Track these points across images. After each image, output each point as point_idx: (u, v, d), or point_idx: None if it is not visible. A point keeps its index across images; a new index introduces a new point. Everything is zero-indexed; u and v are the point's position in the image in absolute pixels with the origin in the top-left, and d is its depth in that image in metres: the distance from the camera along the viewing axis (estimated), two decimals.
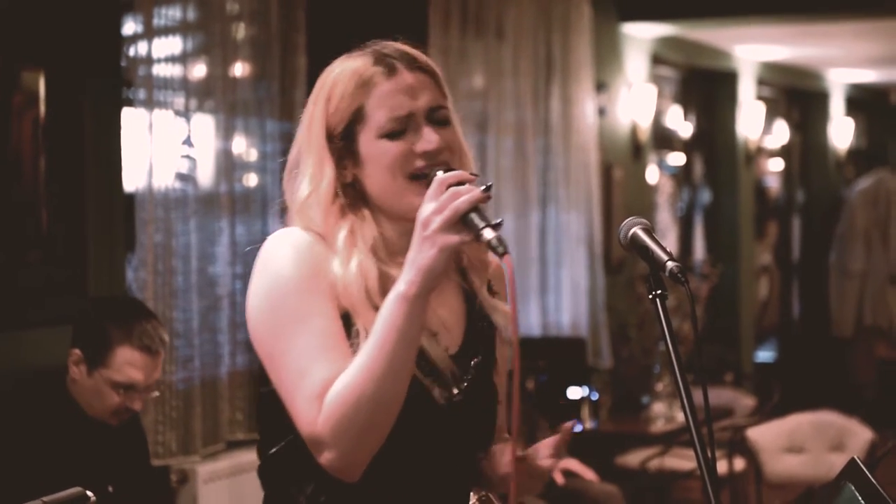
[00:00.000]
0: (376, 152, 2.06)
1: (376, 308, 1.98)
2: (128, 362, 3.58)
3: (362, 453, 1.96)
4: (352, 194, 2.09)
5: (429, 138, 2.05)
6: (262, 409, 2.10)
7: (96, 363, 3.59)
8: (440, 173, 1.99)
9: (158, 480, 4.23)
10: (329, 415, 1.93)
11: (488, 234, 1.90)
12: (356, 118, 2.07)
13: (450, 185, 1.94)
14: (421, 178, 2.04)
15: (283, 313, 2.00)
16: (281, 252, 2.05)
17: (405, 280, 1.92)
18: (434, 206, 1.91)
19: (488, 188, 1.94)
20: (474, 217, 1.91)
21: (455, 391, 2.08)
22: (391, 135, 2.05)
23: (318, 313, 2.00)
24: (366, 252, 2.05)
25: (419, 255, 1.91)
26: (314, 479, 2.03)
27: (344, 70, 2.10)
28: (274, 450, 2.08)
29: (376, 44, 2.14)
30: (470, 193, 1.92)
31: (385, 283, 2.02)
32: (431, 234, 1.90)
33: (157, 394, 3.91)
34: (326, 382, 1.94)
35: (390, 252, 2.08)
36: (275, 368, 2.01)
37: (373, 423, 1.94)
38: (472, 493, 2.27)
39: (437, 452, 2.07)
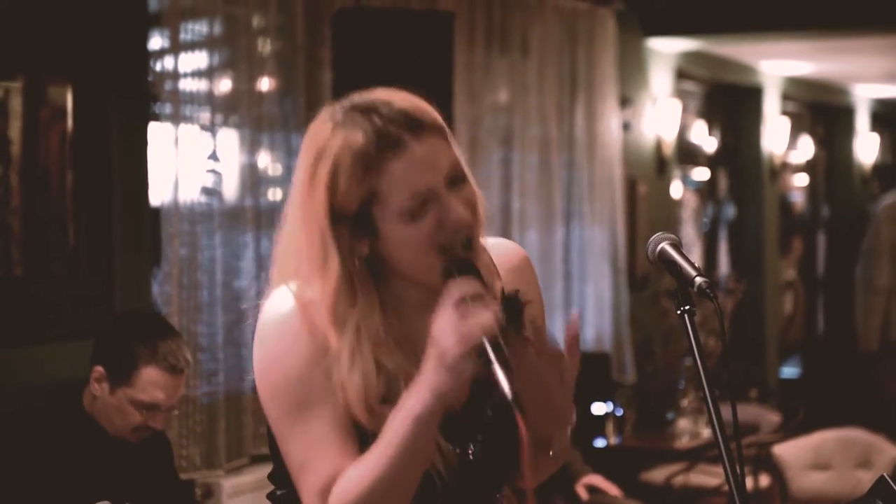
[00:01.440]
0: (400, 235, 1.92)
1: (375, 416, 1.92)
2: (152, 382, 3.56)
3: None
4: (364, 269, 1.96)
5: (458, 212, 1.92)
6: (272, 445, 2.05)
7: (120, 382, 3.56)
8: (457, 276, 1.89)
9: (185, 495, 4.20)
10: None
11: (497, 372, 1.80)
12: (369, 199, 1.92)
13: (464, 297, 1.84)
14: (447, 253, 1.93)
15: (283, 404, 1.96)
16: (274, 338, 1.97)
17: (416, 397, 1.85)
18: (451, 333, 1.81)
19: (505, 315, 1.85)
20: (488, 349, 1.81)
21: (471, 449, 2.02)
22: (413, 216, 1.91)
23: (315, 401, 1.94)
24: (369, 354, 1.94)
25: (434, 378, 1.83)
26: None
27: (343, 150, 1.91)
28: (280, 492, 2.07)
29: (365, 105, 1.94)
30: (483, 323, 1.81)
31: (386, 382, 1.94)
32: (446, 361, 1.82)
33: (177, 412, 3.87)
34: (328, 479, 1.92)
35: (398, 322, 1.99)
36: (284, 452, 1.99)
37: None
38: None
39: None
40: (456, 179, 1.95)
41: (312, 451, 1.93)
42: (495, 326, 1.82)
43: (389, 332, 1.97)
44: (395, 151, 1.90)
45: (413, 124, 1.92)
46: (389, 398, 1.93)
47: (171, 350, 3.59)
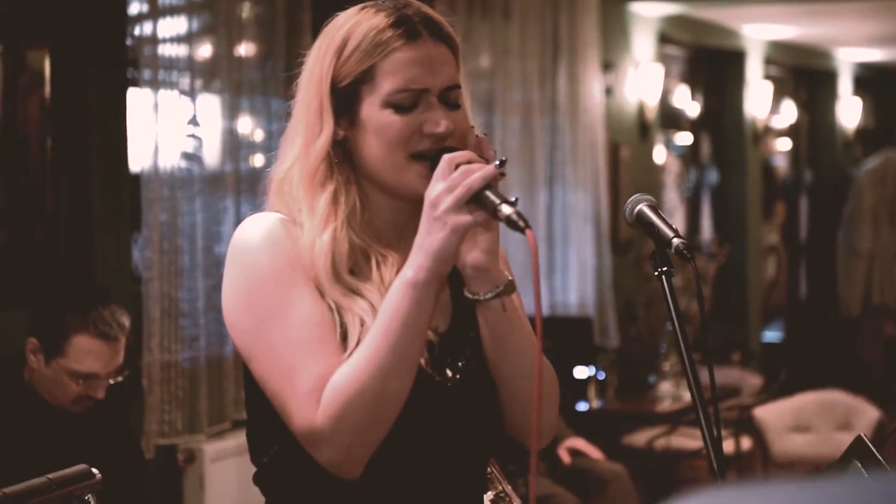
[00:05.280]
0: (379, 122, 1.89)
1: (341, 283, 1.88)
2: (85, 351, 3.43)
3: (364, 448, 1.84)
4: (340, 154, 1.93)
5: (438, 121, 1.88)
6: (250, 418, 1.98)
7: (53, 353, 3.44)
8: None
9: (141, 463, 3.90)
10: (329, 410, 1.81)
11: (506, 209, 1.77)
12: (364, 78, 1.90)
13: (459, 164, 1.81)
14: (424, 159, 1.89)
15: (261, 309, 1.87)
16: (253, 241, 1.90)
17: (413, 265, 1.80)
18: (444, 185, 1.78)
19: (502, 163, 1.82)
20: (489, 194, 1.78)
21: (449, 372, 1.94)
22: (399, 107, 1.89)
23: (299, 304, 1.86)
24: (342, 222, 1.90)
25: (429, 238, 1.79)
26: (310, 483, 1.91)
27: (360, 23, 1.92)
28: (265, 459, 1.96)
29: (395, 2, 1.95)
30: (483, 170, 1.79)
31: (354, 258, 1.91)
32: (441, 215, 1.77)
33: (121, 379, 3.60)
34: (321, 377, 1.82)
35: (368, 224, 1.94)
36: (260, 369, 1.88)
37: (376, 417, 1.82)
38: (489, 491, 2.18)
39: (437, 436, 1.93)
40: (451, 99, 1.93)
41: (298, 353, 1.84)
42: (491, 172, 1.79)
43: (364, 218, 1.94)
44: (408, 40, 1.91)
45: (433, 27, 1.94)
46: (358, 273, 1.91)
47: (103, 317, 3.45)
